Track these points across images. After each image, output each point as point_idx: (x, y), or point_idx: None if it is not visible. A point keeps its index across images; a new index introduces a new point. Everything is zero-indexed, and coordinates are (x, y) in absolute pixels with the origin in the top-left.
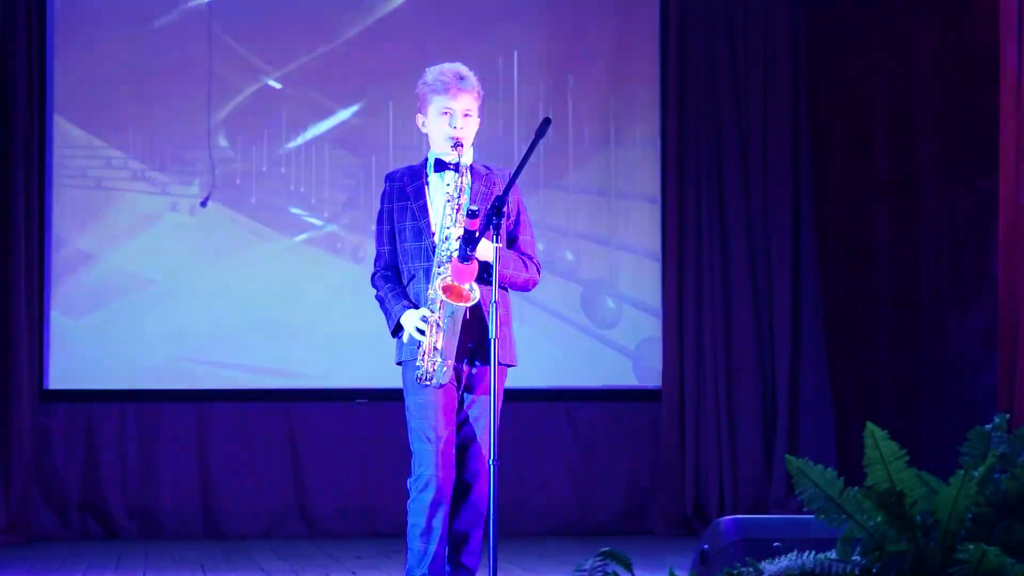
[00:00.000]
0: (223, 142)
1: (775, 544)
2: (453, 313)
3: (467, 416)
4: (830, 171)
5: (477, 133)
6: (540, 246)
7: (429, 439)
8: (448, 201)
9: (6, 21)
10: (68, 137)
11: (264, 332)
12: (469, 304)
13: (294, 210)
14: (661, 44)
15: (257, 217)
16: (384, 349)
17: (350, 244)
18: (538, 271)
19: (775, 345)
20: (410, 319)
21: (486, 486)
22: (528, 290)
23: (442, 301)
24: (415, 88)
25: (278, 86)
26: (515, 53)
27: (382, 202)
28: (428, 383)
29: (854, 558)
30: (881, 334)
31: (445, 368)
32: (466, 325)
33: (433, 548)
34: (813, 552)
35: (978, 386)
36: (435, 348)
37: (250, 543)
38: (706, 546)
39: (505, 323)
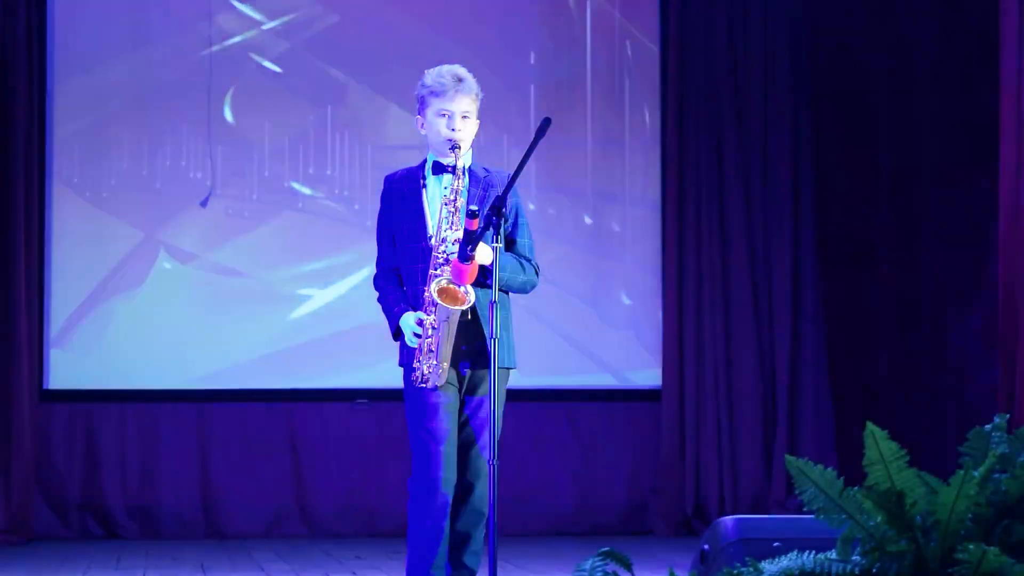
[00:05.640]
0: (223, 142)
1: (775, 544)
2: (448, 316)
3: (468, 417)
4: (830, 171)
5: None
6: (539, 248)
7: (429, 440)
8: (444, 204)
9: (6, 24)
10: (68, 137)
11: (264, 332)
12: (464, 307)
13: (295, 209)
14: (661, 44)
15: (257, 216)
16: (384, 349)
17: (351, 243)
18: (536, 273)
19: (775, 345)
20: (407, 321)
21: (487, 486)
22: (526, 292)
23: (437, 304)
24: (415, 89)
25: (279, 70)
26: (514, 52)
27: (382, 203)
28: (424, 385)
29: (854, 558)
30: (881, 334)
31: (440, 370)
32: (467, 327)
33: (434, 548)
34: (813, 552)
35: (978, 386)
36: (430, 350)
37: (250, 543)
38: (706, 546)
39: (505, 325)
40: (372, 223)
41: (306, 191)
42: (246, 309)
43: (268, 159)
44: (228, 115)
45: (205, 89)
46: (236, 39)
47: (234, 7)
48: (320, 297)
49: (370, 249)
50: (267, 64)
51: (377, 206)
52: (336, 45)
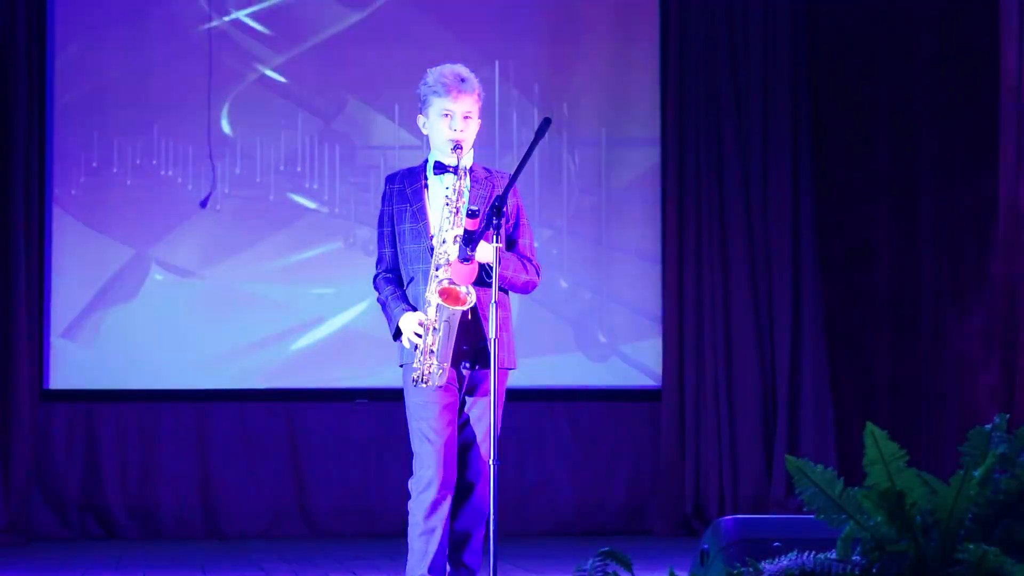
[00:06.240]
0: (224, 136)
1: (775, 544)
2: (449, 317)
3: (468, 418)
4: (830, 171)
5: (477, 135)
6: (538, 245)
7: (430, 440)
8: (446, 204)
9: (6, 21)
10: (68, 136)
11: (264, 332)
12: (465, 308)
13: (295, 209)
14: (661, 44)
15: (257, 217)
16: (384, 349)
17: (351, 243)
18: (537, 273)
19: (775, 345)
20: (407, 322)
21: (487, 486)
22: (527, 292)
23: (438, 304)
24: (416, 89)
25: (281, 79)
26: (513, 52)
27: (382, 204)
28: (424, 385)
29: (854, 558)
30: (881, 334)
31: (440, 370)
32: (466, 327)
33: (434, 548)
34: (813, 552)
35: (978, 386)
36: (431, 351)
37: (250, 543)
38: (706, 546)
39: (505, 326)
40: (368, 227)
41: (305, 202)
42: (246, 308)
43: (264, 168)
44: (225, 126)
45: (205, 98)
46: (228, 15)
47: (235, 17)
48: (320, 299)
49: (367, 252)
50: (269, 73)
51: (372, 208)
52: (337, 56)
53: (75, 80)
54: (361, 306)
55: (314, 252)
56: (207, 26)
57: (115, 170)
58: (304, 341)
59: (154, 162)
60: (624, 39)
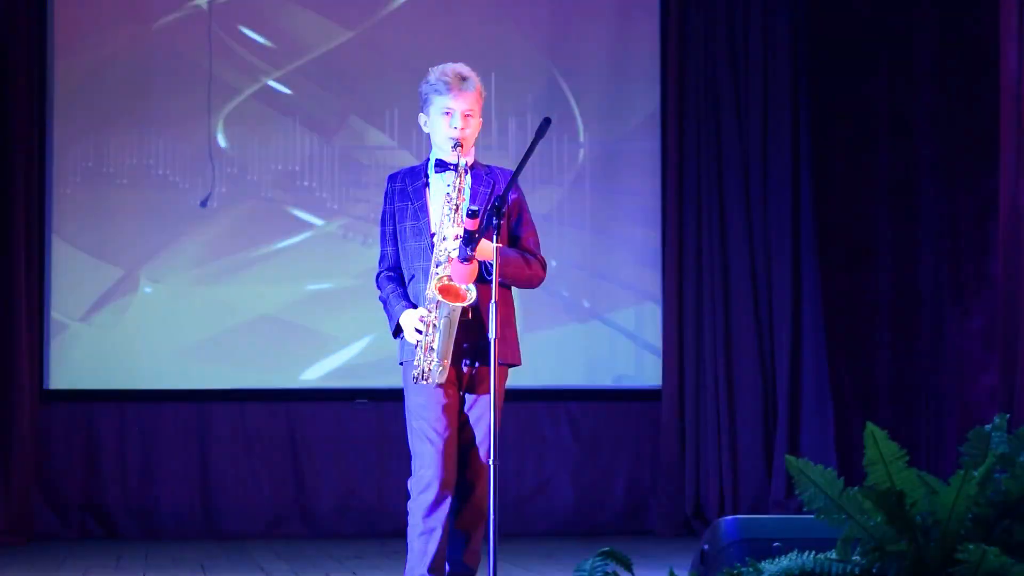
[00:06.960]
0: (223, 142)
1: (775, 544)
2: (449, 313)
3: (469, 416)
4: (830, 171)
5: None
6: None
7: (430, 439)
8: (447, 202)
9: (6, 21)
10: (68, 137)
11: (264, 332)
12: (465, 304)
13: (295, 210)
14: (661, 45)
15: (257, 217)
16: (384, 349)
17: (351, 243)
18: (543, 267)
19: (775, 345)
20: (408, 319)
21: (487, 486)
22: (533, 287)
23: (439, 301)
24: (418, 88)
25: (285, 90)
26: (513, 53)
27: (384, 203)
28: (424, 382)
29: (854, 558)
30: (881, 334)
31: (441, 368)
32: (467, 325)
33: (434, 548)
34: (813, 552)
35: (978, 386)
36: (432, 348)
37: (250, 543)
38: (706, 546)
39: (507, 322)
40: (365, 234)
41: (303, 213)
42: (246, 308)
43: (268, 158)
44: (221, 139)
45: (205, 108)
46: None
47: (237, 30)
48: (321, 295)
49: (365, 258)
50: (272, 83)
51: (370, 217)
52: (335, 69)
53: (74, 81)
54: (360, 310)
55: (314, 251)
56: (196, 2)
57: (117, 173)
58: (304, 343)
59: (156, 167)
60: (624, 40)
